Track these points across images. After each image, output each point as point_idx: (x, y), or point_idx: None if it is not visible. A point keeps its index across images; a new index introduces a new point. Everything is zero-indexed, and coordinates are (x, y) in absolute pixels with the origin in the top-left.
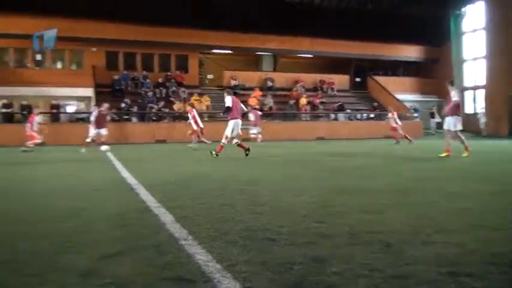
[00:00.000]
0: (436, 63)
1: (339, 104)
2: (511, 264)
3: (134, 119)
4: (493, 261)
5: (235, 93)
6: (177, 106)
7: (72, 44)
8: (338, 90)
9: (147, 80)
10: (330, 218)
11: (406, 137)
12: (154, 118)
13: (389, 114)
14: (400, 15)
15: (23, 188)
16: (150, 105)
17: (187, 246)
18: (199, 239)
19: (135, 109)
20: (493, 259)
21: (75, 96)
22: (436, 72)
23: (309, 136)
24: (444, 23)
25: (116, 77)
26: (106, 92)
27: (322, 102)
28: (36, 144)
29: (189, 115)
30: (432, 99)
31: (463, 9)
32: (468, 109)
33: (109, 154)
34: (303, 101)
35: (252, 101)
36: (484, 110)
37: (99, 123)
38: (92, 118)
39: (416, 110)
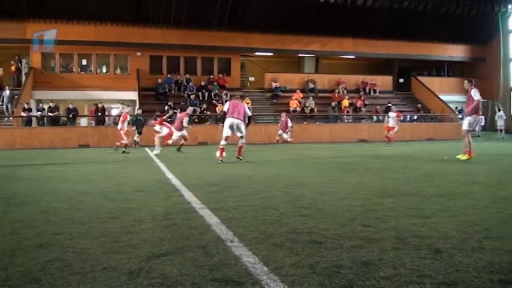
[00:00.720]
0: (482, 63)
1: (387, 105)
2: None
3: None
4: None
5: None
6: (220, 108)
7: (117, 49)
8: (381, 92)
9: (190, 83)
10: (375, 221)
11: (388, 138)
12: (196, 121)
13: (393, 114)
14: (445, 13)
15: (70, 189)
16: (193, 107)
17: (234, 248)
18: (246, 241)
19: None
20: None
21: (120, 100)
22: (482, 72)
23: (351, 138)
24: (491, 21)
25: (160, 80)
26: (150, 95)
27: (364, 104)
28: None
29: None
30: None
31: (509, 7)
32: None
33: (153, 156)
34: (345, 102)
35: (293, 103)
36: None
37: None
38: (152, 121)
39: (461, 111)
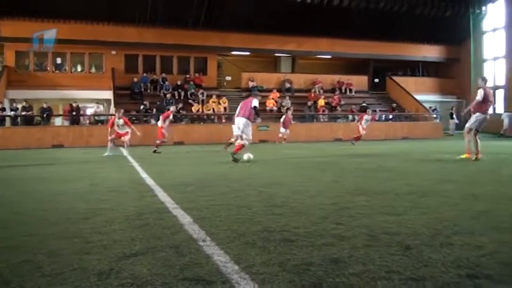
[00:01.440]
0: (456, 63)
1: (362, 104)
2: None
3: (153, 121)
4: None
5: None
6: (195, 108)
7: (92, 47)
8: (356, 91)
9: (166, 83)
10: (347, 219)
11: (355, 138)
12: (173, 120)
13: (368, 117)
14: (419, 14)
15: (44, 189)
16: (169, 107)
17: (206, 247)
18: (218, 240)
19: (153, 111)
20: None
21: (95, 99)
22: (455, 72)
23: (327, 137)
24: (465, 22)
25: (135, 79)
26: (125, 95)
27: (340, 104)
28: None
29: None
30: (452, 99)
31: (483, 8)
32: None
33: (127, 156)
34: (321, 102)
35: (270, 103)
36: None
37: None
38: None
39: (435, 111)
